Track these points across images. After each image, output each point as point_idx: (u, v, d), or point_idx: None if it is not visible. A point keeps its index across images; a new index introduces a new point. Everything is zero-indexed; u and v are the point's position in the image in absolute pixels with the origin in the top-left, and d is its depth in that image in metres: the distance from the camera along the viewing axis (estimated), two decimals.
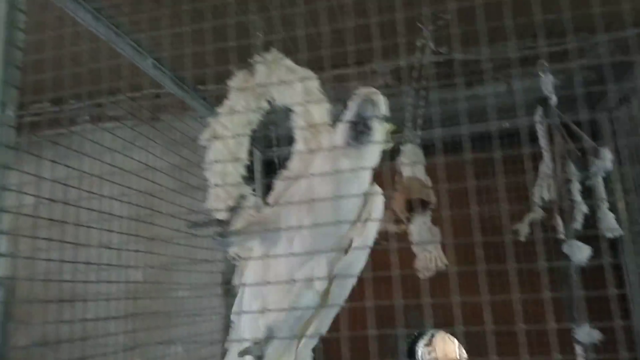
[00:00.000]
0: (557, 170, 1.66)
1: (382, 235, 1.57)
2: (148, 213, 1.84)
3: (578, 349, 1.62)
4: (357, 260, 1.28)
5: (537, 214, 1.68)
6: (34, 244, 1.25)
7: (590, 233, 1.53)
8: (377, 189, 1.35)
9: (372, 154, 1.30)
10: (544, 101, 1.69)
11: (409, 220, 1.36)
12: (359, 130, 1.25)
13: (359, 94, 1.28)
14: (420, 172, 2.24)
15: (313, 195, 1.23)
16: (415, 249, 2.06)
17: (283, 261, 1.26)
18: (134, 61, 1.69)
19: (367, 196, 1.29)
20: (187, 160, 1.98)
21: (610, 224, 1.53)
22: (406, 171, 2.21)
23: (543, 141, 1.67)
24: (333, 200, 1.20)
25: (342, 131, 1.27)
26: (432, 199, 1.36)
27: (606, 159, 1.51)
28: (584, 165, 1.59)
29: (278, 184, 1.39)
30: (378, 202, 1.33)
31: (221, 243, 1.30)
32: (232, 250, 1.38)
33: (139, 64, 1.68)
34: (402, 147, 2.25)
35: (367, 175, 1.29)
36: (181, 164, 2.07)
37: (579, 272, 1.57)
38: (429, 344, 3.52)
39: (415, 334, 2.99)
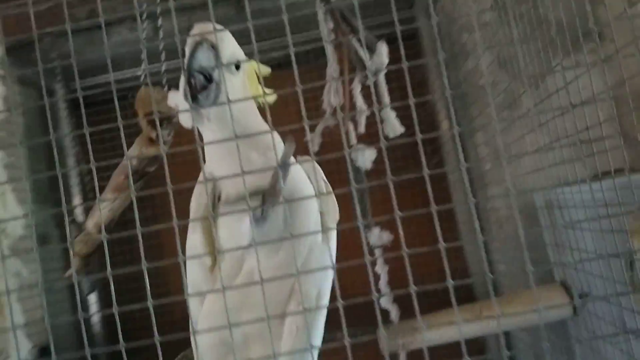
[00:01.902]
0: (345, 72, 1.55)
1: (144, 162, 1.39)
2: None
3: (376, 252, 1.59)
4: None
5: (329, 121, 1.57)
6: None
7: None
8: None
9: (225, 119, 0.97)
10: None
11: (156, 138, 1.19)
12: (200, 87, 0.93)
13: (191, 35, 0.96)
14: None
15: None
16: None
17: None
18: None
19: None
20: None
21: (392, 124, 1.46)
22: None
23: (328, 37, 1.54)
24: None
25: (182, 92, 0.96)
26: (174, 113, 1.19)
27: (382, 53, 1.41)
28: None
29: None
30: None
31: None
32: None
33: None
34: None
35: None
36: None
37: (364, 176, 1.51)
38: None
39: None
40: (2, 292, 0.91)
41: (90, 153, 0.84)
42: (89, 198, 2.48)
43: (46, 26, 1.07)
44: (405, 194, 0.93)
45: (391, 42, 1.34)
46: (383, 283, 1.66)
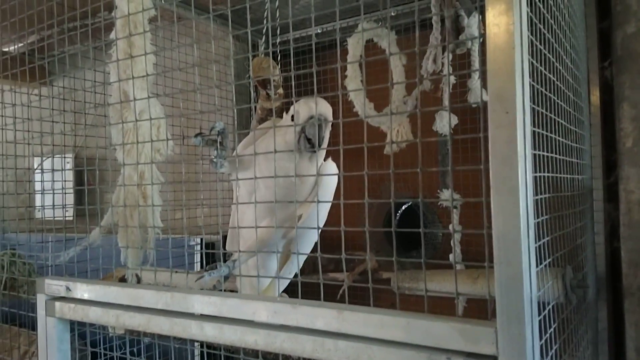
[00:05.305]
0: (448, 39, 1.62)
1: (265, 112, 1.74)
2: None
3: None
4: (309, 228, 1.29)
5: (425, 85, 1.67)
6: None
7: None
8: (330, 167, 1.38)
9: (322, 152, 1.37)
10: None
11: (268, 96, 1.51)
12: (312, 141, 1.32)
13: (304, 108, 1.33)
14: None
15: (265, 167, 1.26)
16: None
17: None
18: None
19: (319, 177, 1.34)
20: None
21: (476, 94, 1.50)
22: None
23: (433, 9, 1.61)
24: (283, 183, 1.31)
25: (295, 135, 1.33)
26: (277, 78, 1.46)
27: (472, 25, 1.43)
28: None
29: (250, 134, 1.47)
30: (328, 185, 1.38)
31: (215, 166, 1.38)
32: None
33: None
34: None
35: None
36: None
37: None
38: None
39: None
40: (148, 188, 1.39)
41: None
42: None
43: None
44: None
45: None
46: (455, 241, 1.78)
